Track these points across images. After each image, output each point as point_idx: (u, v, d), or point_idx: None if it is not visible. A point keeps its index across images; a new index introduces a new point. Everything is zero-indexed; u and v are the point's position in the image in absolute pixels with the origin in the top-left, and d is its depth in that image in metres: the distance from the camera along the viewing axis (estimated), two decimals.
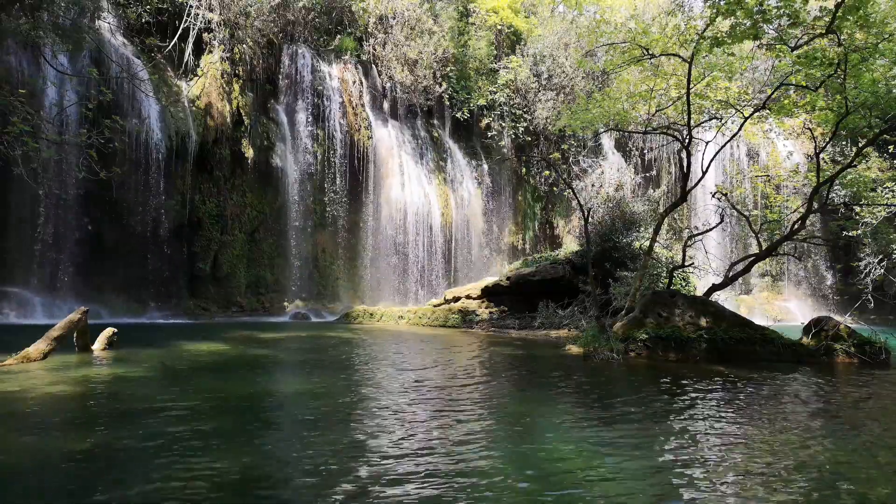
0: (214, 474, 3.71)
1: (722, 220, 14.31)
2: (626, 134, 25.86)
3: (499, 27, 27.88)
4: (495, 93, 26.81)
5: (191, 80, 20.21)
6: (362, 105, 24.04)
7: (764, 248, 13.01)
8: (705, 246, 14.61)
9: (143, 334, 12.51)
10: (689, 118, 12.27)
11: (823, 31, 10.26)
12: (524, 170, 28.29)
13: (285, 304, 21.42)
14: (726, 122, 13.92)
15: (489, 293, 18.55)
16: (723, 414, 5.85)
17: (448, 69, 26.01)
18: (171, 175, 18.75)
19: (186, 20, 19.75)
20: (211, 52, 20.52)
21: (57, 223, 17.03)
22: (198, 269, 19.80)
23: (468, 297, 18.92)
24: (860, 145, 11.84)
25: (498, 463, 4.06)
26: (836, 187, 14.04)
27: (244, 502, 3.34)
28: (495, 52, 27.95)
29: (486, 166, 27.48)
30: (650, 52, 12.27)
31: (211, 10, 20.33)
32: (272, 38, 22.23)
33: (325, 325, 17.59)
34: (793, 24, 10.62)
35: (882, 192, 15.91)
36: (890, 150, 17.33)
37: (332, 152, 22.82)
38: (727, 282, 12.52)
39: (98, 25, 17.61)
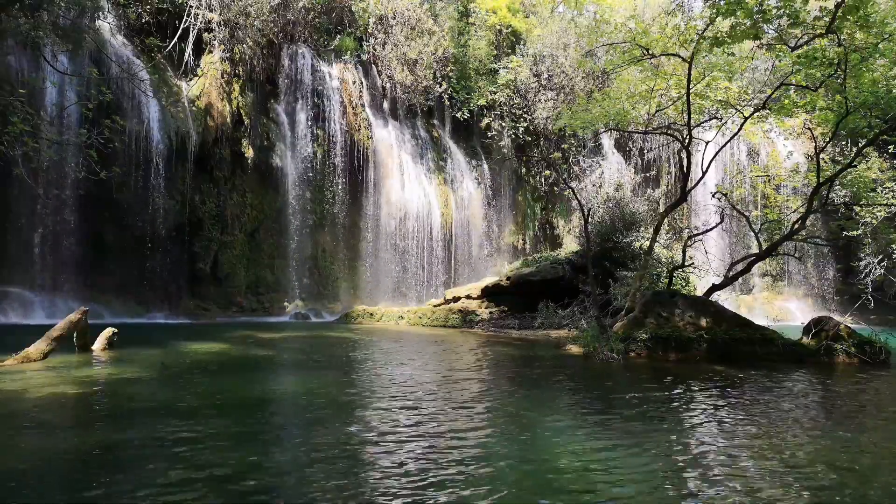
0: (215, 474, 3.71)
1: (722, 220, 14.30)
2: (626, 134, 25.86)
3: (498, 27, 27.88)
4: (495, 93, 26.80)
5: (191, 80, 20.20)
6: (362, 105, 24.03)
7: (764, 248, 13.00)
8: (705, 246, 14.60)
9: (143, 334, 12.51)
10: (689, 118, 12.27)
11: (823, 31, 10.25)
12: (524, 170, 28.28)
13: (285, 304, 21.42)
14: (726, 122, 13.92)
15: (489, 293, 18.55)
16: (723, 414, 5.85)
17: (448, 69, 26.00)
18: (171, 175, 18.73)
19: (186, 20, 19.74)
20: (211, 52, 20.51)
21: (57, 223, 17.02)
22: (198, 269, 19.78)
23: (468, 297, 18.91)
24: (860, 145, 11.82)
25: (498, 463, 4.06)
26: (836, 187, 14.02)
27: (244, 502, 3.34)
28: (495, 52, 27.94)
29: (486, 166, 27.47)
30: (650, 52, 12.27)
31: (211, 10, 20.32)
32: (272, 38, 22.21)
33: (325, 326, 17.59)
34: (793, 24, 10.61)
35: (882, 192, 15.88)
36: (890, 150, 17.30)
37: (332, 152, 22.82)
38: (727, 282, 12.52)
39: (98, 25, 17.58)
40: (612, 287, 14.45)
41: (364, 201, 23.67)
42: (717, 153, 13.79)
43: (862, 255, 19.71)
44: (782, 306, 25.93)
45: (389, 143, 24.51)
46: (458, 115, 26.51)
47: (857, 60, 9.95)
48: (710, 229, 14.38)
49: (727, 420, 5.56)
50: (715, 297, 12.45)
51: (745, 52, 15.95)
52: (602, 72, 23.45)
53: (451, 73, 26.14)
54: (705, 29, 11.06)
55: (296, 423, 5.35)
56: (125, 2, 19.17)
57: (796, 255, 19.07)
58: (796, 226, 12.36)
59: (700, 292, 13.95)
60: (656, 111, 14.41)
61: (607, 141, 28.45)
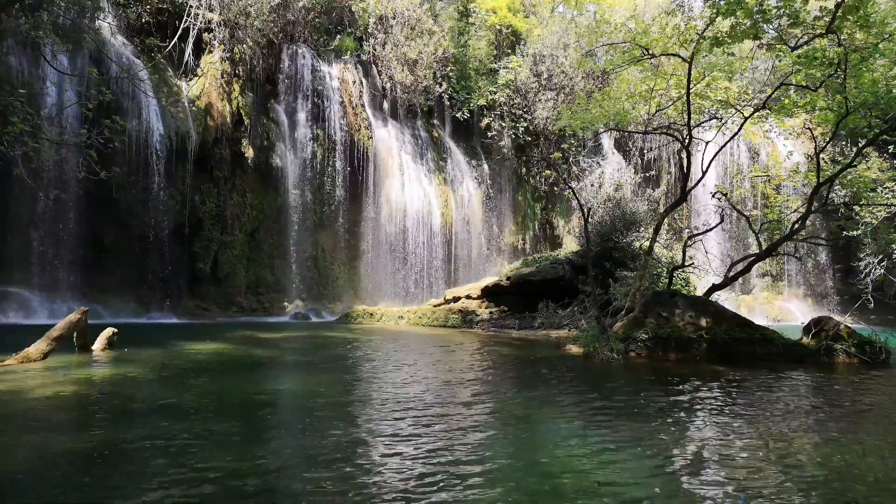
0: (215, 474, 3.71)
1: (722, 220, 14.30)
2: (626, 134, 25.86)
3: (498, 27, 27.89)
4: (495, 93, 26.80)
5: (191, 80, 20.20)
6: (362, 105, 24.04)
7: (764, 248, 13.00)
8: (705, 246, 14.59)
9: (143, 334, 12.51)
10: (689, 118, 12.27)
11: (823, 31, 10.25)
12: (524, 170, 28.29)
13: (285, 304, 21.42)
14: (726, 122, 13.91)
15: (489, 293, 18.54)
16: (724, 414, 5.85)
17: (448, 69, 26.01)
18: (171, 175, 18.74)
19: (186, 20, 19.74)
20: (211, 52, 20.51)
21: (57, 223, 17.02)
22: (198, 269, 19.79)
23: (468, 297, 18.91)
24: (860, 145, 11.82)
25: (499, 463, 4.06)
26: (836, 187, 14.01)
27: (245, 502, 3.33)
28: (495, 52, 27.95)
29: (486, 166, 27.48)
30: (650, 52, 12.27)
31: (211, 10, 20.33)
32: (272, 38, 22.21)
33: (325, 326, 17.59)
34: (793, 24, 10.62)
35: (882, 192, 15.88)
36: (890, 150, 17.30)
37: (332, 152, 22.82)
38: (727, 282, 12.51)
39: (98, 25, 17.58)
40: (612, 287, 14.45)
41: (364, 201, 23.67)
42: (717, 153, 13.78)
43: (862, 255, 19.70)
44: (782, 306, 25.94)
45: (389, 143, 24.51)
46: (458, 115, 26.52)
47: (857, 60, 9.94)
48: (710, 229, 14.37)
49: (728, 420, 5.56)
50: (715, 297, 12.45)
51: (745, 52, 15.96)
52: (602, 72, 23.44)
53: (451, 73, 26.14)
54: (705, 29, 11.06)
55: (296, 423, 5.35)
56: (125, 2, 19.17)
57: (796, 255, 19.07)
58: (796, 226, 12.35)
59: (700, 292, 13.95)
60: (656, 111, 14.40)
61: (607, 141, 28.45)
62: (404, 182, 24.33)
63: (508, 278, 18.42)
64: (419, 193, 24.52)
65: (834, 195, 14.48)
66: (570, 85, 26.52)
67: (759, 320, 13.24)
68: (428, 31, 25.38)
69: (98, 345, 9.31)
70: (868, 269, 19.25)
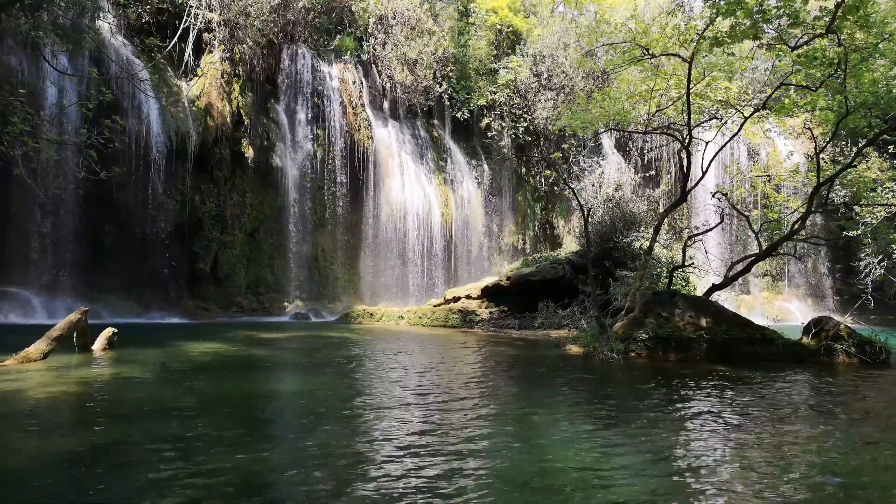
0: (215, 474, 3.71)
1: (722, 220, 14.29)
2: (626, 134, 25.87)
3: (498, 27, 27.89)
4: (495, 93, 26.81)
5: (191, 80, 20.20)
6: (362, 105, 24.04)
7: (764, 248, 13.00)
8: (705, 246, 14.59)
9: (143, 334, 12.51)
10: (689, 118, 12.27)
11: (823, 31, 10.25)
12: (524, 170, 28.29)
13: (285, 304, 21.42)
14: (726, 122, 13.91)
15: (489, 293, 18.55)
16: (724, 414, 5.84)
17: (448, 69, 26.01)
18: (171, 175, 18.75)
19: (186, 20, 19.74)
20: (211, 52, 20.52)
21: (57, 223, 17.02)
22: (198, 269, 19.79)
23: (468, 297, 18.91)
24: (860, 145, 11.82)
25: (499, 463, 4.06)
26: (836, 187, 14.01)
27: (245, 502, 3.33)
28: (495, 52, 27.96)
29: (486, 166, 27.48)
30: (650, 52, 12.27)
31: (211, 10, 20.33)
32: (272, 38, 22.22)
33: (325, 326, 17.59)
34: (793, 24, 10.61)
35: (882, 192, 15.88)
36: (890, 150, 17.30)
37: (332, 152, 22.83)
38: (727, 282, 12.51)
39: (98, 25, 17.58)
40: (612, 287, 14.45)
41: (364, 201, 23.68)
42: (717, 153, 13.78)
43: (862, 255, 19.68)
44: (782, 306, 25.95)
45: (389, 143, 24.51)
46: (458, 115, 26.53)
47: (857, 60, 9.95)
48: (710, 229, 14.37)
49: (728, 420, 5.56)
50: (715, 297, 12.45)
51: (745, 52, 15.95)
52: (602, 72, 23.45)
53: (451, 73, 26.15)
54: (705, 29, 11.06)
55: (296, 423, 5.35)
56: (125, 2, 19.18)
57: (796, 255, 19.07)
58: (796, 226, 12.35)
59: (700, 292, 13.95)
60: (656, 111, 14.41)
61: (607, 141, 28.47)
62: (404, 182, 24.33)
63: (508, 278, 18.43)
64: (419, 193, 24.52)
65: (834, 195, 14.48)
66: (570, 85, 26.53)
67: (758, 320, 13.25)
68: (428, 31, 25.38)
69: (98, 345, 9.31)
70: (868, 269, 19.23)
